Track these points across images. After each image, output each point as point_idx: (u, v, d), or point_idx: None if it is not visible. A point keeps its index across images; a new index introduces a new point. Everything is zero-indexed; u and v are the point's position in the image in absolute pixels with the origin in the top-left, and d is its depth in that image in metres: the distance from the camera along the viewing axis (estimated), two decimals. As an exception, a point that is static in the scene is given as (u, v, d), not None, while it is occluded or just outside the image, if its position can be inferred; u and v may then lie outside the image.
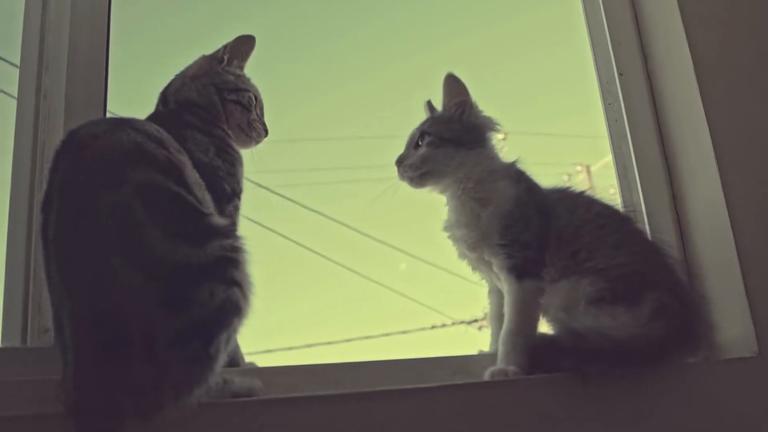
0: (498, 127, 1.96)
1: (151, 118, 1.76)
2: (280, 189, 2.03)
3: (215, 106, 1.84)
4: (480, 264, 1.88)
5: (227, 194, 1.69)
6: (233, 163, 1.77)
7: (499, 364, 1.70)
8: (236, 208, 1.73)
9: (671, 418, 1.70)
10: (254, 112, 1.91)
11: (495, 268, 1.83)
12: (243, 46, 1.93)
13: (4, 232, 1.77)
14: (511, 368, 1.66)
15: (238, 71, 1.93)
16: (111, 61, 1.92)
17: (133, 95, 1.77)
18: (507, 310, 1.76)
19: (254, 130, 1.90)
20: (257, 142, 1.93)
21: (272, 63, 2.36)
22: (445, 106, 1.96)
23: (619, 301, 1.69)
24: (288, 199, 2.19)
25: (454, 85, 1.94)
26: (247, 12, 2.53)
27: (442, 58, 2.67)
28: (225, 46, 1.91)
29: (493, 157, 1.93)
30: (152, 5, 1.85)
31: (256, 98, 1.92)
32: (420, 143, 1.92)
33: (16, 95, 1.86)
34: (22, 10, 1.90)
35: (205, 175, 1.60)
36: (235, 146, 1.83)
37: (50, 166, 1.50)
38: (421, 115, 2.05)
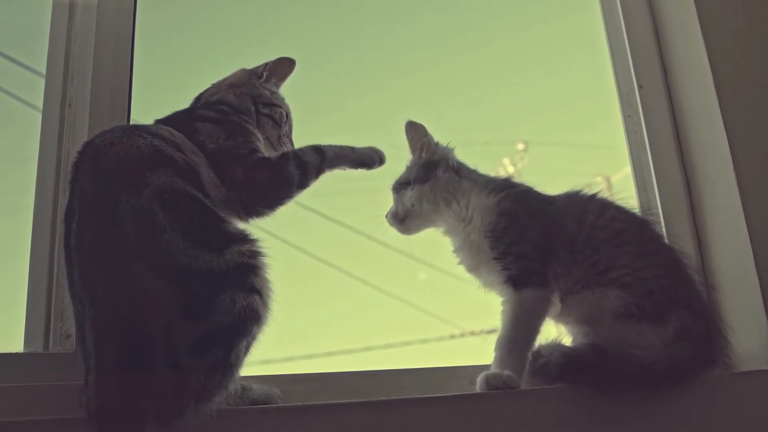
0: (451, 154, 1.99)
1: (165, 118, 1.78)
2: (301, 198, 2.03)
3: (251, 113, 1.87)
4: (488, 284, 1.87)
5: (244, 154, 1.72)
6: (245, 134, 1.78)
7: (494, 369, 1.67)
8: (258, 157, 1.74)
9: (688, 430, 1.70)
10: (284, 128, 1.94)
11: (498, 285, 1.82)
12: (283, 67, 1.97)
13: (28, 239, 1.79)
14: (506, 373, 1.63)
15: (273, 88, 1.96)
16: (135, 70, 1.95)
17: (157, 105, 1.79)
18: (504, 318, 1.75)
19: (283, 145, 1.92)
20: None
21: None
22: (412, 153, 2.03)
23: (646, 318, 1.67)
24: (309, 208, 2.19)
25: (411, 132, 2.01)
26: (272, 23, 2.55)
27: (465, 67, 2.67)
28: (266, 64, 1.95)
29: (452, 179, 1.93)
30: (177, 16, 1.87)
31: (287, 115, 1.95)
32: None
33: (40, 105, 1.89)
34: (49, 21, 1.93)
35: (218, 159, 1.65)
36: (249, 125, 1.84)
37: (70, 177, 1.52)
38: (446, 125, 2.09)
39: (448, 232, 1.94)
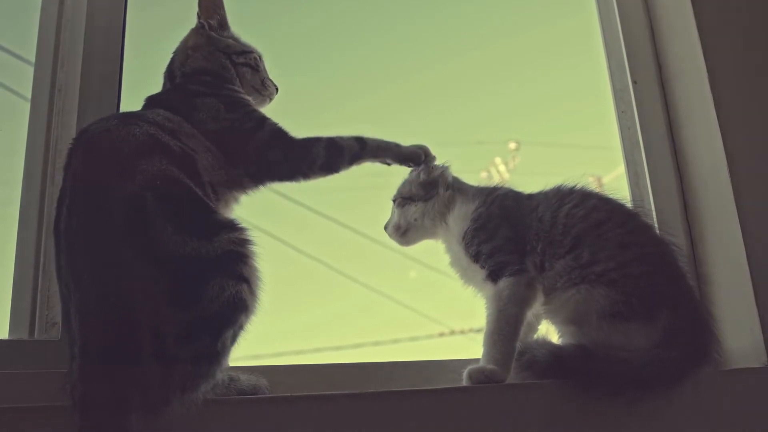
0: (447, 171, 2.01)
1: (158, 97, 1.79)
2: (294, 194, 2.04)
3: (228, 69, 1.87)
4: (479, 289, 1.87)
5: (253, 128, 1.73)
6: (246, 105, 1.79)
7: (481, 363, 1.67)
8: (272, 124, 1.76)
9: (678, 428, 1.69)
10: (263, 71, 1.94)
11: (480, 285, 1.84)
12: (209, 2, 1.92)
13: (15, 226, 1.78)
14: (489, 367, 1.63)
15: (233, 34, 1.95)
16: (126, 57, 1.93)
17: (147, 91, 1.78)
18: (487, 312, 1.76)
19: (268, 87, 1.94)
20: (270, 100, 1.97)
21: (294, 67, 2.38)
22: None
23: (633, 317, 1.65)
24: (300, 204, 2.19)
25: None
26: (272, 12, 2.55)
27: (459, 68, 2.68)
28: (198, 15, 1.91)
29: (450, 196, 1.98)
30: (169, 3, 1.86)
31: (260, 57, 1.96)
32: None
33: (28, 95, 1.88)
34: (39, 6, 1.92)
35: (223, 137, 1.66)
36: (244, 96, 1.84)
37: (64, 163, 1.51)
38: (440, 125, 2.17)
39: (445, 248, 1.98)
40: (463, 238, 1.85)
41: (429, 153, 1.97)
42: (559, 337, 1.78)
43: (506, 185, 2.00)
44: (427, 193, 1.97)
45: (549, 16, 2.83)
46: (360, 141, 1.82)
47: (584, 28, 2.57)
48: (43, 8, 1.92)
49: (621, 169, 2.35)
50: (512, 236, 1.81)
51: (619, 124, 2.38)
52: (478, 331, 1.77)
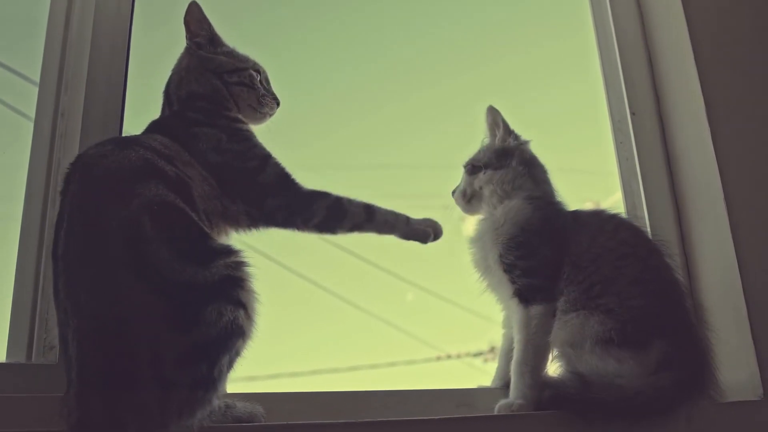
0: (527, 146, 2.01)
1: (159, 122, 1.77)
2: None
3: (220, 92, 1.82)
4: (492, 287, 1.88)
5: (256, 168, 1.69)
6: (248, 138, 1.76)
7: (510, 397, 1.69)
8: (276, 166, 1.72)
9: (674, 460, 1.68)
10: (260, 88, 1.87)
11: (504, 296, 1.84)
12: (196, 15, 1.85)
13: (14, 248, 1.78)
14: (517, 402, 1.65)
15: (226, 49, 1.89)
16: (129, 82, 1.94)
17: (150, 117, 1.77)
18: (515, 338, 1.75)
19: (265, 105, 1.87)
20: (270, 116, 1.91)
21: (301, 89, 2.37)
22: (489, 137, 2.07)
23: (626, 344, 1.65)
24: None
25: (489, 116, 2.06)
26: (272, 35, 2.55)
27: (458, 89, 2.68)
28: (187, 26, 1.85)
29: (522, 174, 1.95)
30: (172, 27, 1.85)
31: (258, 72, 1.89)
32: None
33: (32, 115, 1.88)
34: (44, 29, 1.93)
35: (224, 172, 1.64)
36: (245, 127, 1.81)
37: (61, 188, 1.51)
38: (446, 147, 2.21)
39: (474, 237, 1.96)
40: (508, 241, 1.82)
41: (439, 231, 1.82)
42: (556, 359, 1.77)
43: (559, 199, 1.98)
44: (499, 162, 1.96)
45: (550, 37, 2.84)
46: (369, 211, 1.74)
47: (584, 52, 2.58)
48: (48, 32, 1.92)
49: (619, 194, 2.36)
50: (552, 260, 1.79)
51: (618, 155, 2.39)
52: (475, 355, 1.76)
